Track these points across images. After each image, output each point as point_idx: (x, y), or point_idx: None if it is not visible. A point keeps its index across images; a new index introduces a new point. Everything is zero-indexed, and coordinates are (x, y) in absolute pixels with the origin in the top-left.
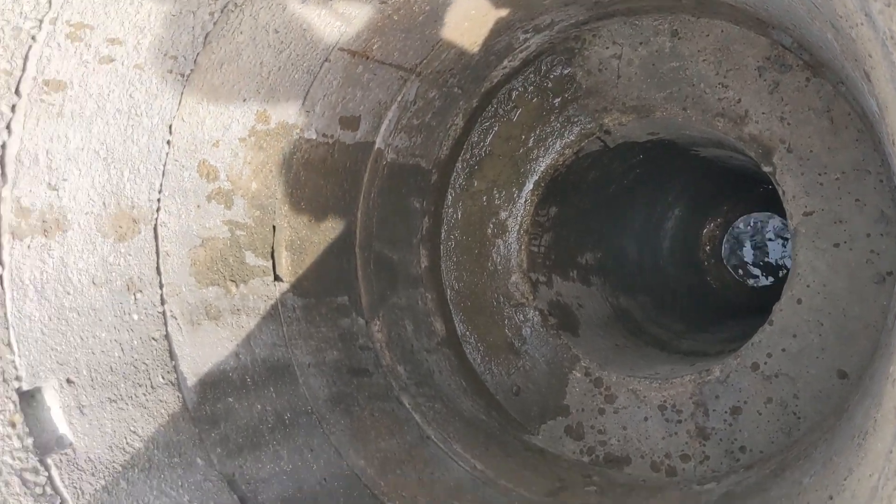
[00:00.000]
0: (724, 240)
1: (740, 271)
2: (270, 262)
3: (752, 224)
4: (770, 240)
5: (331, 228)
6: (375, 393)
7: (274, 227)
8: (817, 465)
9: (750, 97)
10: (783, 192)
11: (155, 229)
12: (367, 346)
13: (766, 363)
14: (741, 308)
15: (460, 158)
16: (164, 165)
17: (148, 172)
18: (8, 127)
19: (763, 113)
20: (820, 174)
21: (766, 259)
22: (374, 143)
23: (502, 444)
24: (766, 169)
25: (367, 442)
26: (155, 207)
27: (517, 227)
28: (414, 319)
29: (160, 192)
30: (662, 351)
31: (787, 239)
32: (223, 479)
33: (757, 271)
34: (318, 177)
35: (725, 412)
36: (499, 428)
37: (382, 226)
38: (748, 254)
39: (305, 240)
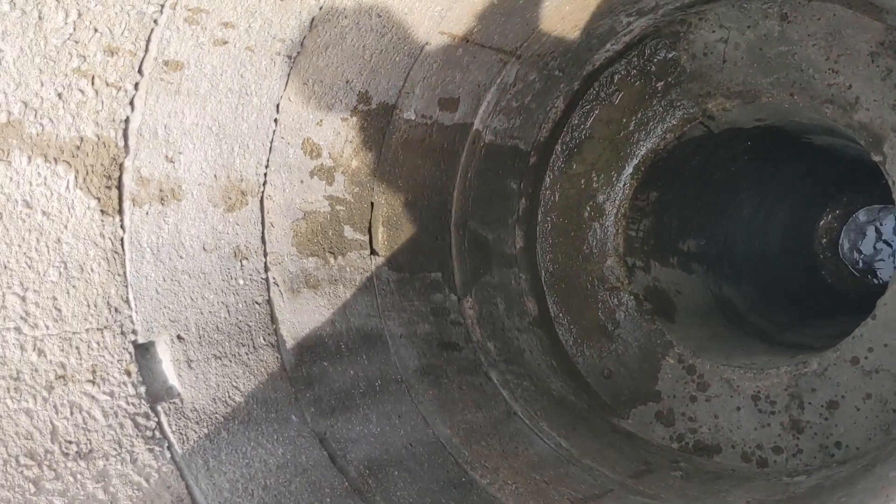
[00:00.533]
0: (843, 232)
1: (858, 266)
2: (367, 236)
3: (874, 217)
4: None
5: (427, 207)
6: (464, 367)
7: (372, 203)
8: None
9: (861, 83)
10: (893, 183)
11: (261, 201)
12: (458, 322)
13: (866, 358)
14: (854, 304)
15: (560, 141)
16: (271, 142)
17: (256, 148)
18: (131, 103)
19: (874, 100)
20: None
21: (889, 253)
22: (472, 124)
23: (590, 426)
24: (876, 158)
25: (453, 413)
26: (262, 181)
27: (615, 210)
28: (506, 298)
29: (266, 166)
30: (763, 342)
31: None
32: (315, 437)
33: (876, 266)
34: (415, 156)
35: (822, 406)
36: (587, 409)
37: (478, 205)
38: (868, 248)
39: (401, 216)
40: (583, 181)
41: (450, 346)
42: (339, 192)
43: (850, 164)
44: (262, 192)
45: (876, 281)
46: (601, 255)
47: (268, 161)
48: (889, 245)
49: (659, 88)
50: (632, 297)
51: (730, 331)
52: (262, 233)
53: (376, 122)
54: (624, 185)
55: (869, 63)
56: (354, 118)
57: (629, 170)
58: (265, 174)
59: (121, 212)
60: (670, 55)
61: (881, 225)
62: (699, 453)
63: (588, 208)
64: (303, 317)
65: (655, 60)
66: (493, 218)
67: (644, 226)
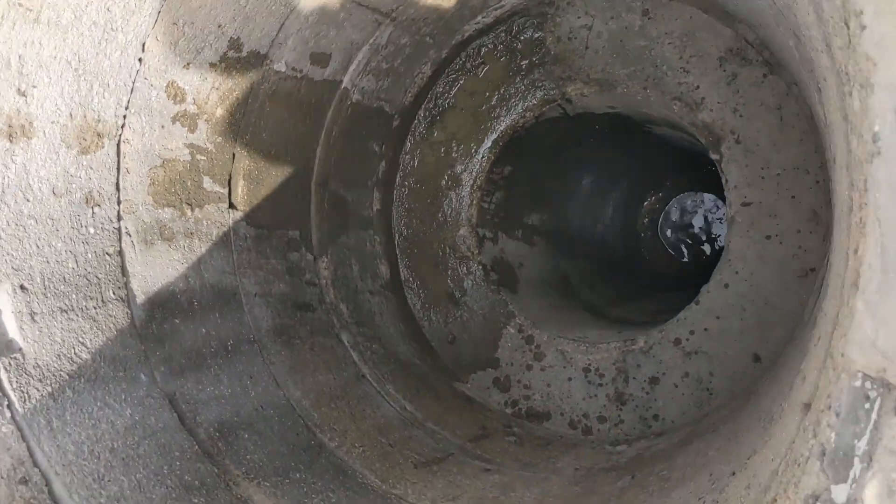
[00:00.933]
0: (663, 214)
1: (674, 246)
2: (227, 189)
3: (691, 202)
4: (706, 220)
5: (289, 162)
6: (317, 328)
7: (234, 154)
8: (723, 439)
9: (708, 85)
10: (726, 181)
11: (118, 145)
12: (312, 282)
13: (687, 339)
14: (670, 282)
15: (423, 107)
16: (134, 82)
17: (117, 87)
18: None
19: (718, 102)
20: (762, 168)
21: (700, 237)
22: (341, 82)
23: (433, 389)
24: (714, 156)
25: (304, 374)
26: (120, 123)
27: (471, 181)
28: (361, 260)
29: (127, 108)
30: (593, 316)
31: (721, 220)
32: (164, 397)
33: (689, 248)
34: (282, 109)
35: (644, 381)
36: (431, 373)
37: (340, 165)
38: (683, 230)
39: (263, 171)
40: (443, 150)
41: (304, 306)
42: (200, 141)
43: (680, 152)
44: (120, 135)
45: (684, 259)
46: (455, 223)
47: (128, 102)
48: (701, 228)
49: (523, 67)
50: (480, 267)
51: (565, 303)
52: (117, 179)
53: (245, 71)
54: (482, 158)
55: (717, 67)
56: (223, 65)
57: (488, 143)
58: (125, 116)
59: None
60: (537, 35)
61: (697, 209)
62: (531, 419)
63: (446, 177)
64: (155, 270)
65: (522, 38)
66: (354, 179)
67: (496, 198)
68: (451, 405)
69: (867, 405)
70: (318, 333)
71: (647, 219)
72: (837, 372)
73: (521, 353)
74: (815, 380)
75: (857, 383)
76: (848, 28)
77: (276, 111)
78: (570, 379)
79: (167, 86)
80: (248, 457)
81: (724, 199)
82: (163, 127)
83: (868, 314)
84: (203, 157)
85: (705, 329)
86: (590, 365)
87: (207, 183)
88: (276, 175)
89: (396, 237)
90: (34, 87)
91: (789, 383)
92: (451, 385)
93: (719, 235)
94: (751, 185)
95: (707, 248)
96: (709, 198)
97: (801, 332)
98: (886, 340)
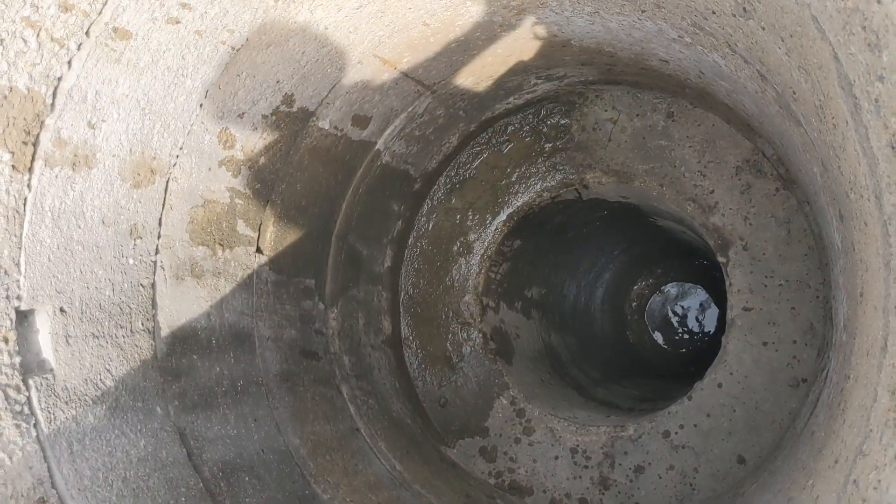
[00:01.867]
0: (651, 299)
1: (658, 333)
2: (257, 233)
3: (680, 291)
4: (694, 314)
5: (316, 214)
6: (320, 377)
7: (268, 201)
8: None
9: (722, 191)
10: (730, 284)
11: (167, 182)
12: (321, 331)
13: (676, 433)
14: (653, 369)
15: (445, 174)
16: (191, 126)
17: (176, 129)
18: (69, 62)
19: (731, 208)
20: (766, 276)
21: (687, 329)
22: (375, 143)
23: (421, 451)
24: (721, 259)
25: (304, 423)
26: (173, 163)
27: (482, 250)
28: (367, 314)
29: (181, 149)
30: (580, 395)
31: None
32: (176, 432)
33: (675, 337)
34: (318, 164)
35: (630, 469)
36: (420, 434)
37: (361, 221)
38: (670, 318)
39: (291, 220)
40: (458, 217)
41: (310, 354)
42: (241, 186)
43: (676, 242)
44: (171, 173)
45: (668, 347)
46: (461, 289)
47: (183, 144)
48: (688, 321)
49: (546, 149)
50: (480, 335)
51: (555, 379)
52: (161, 214)
53: (293, 125)
54: (495, 230)
55: (733, 175)
56: (274, 117)
57: (503, 216)
58: (178, 156)
59: (31, 170)
60: (563, 121)
61: (685, 300)
62: (513, 492)
63: (458, 243)
64: (181, 305)
65: (549, 122)
66: (371, 235)
67: (503, 269)
68: (437, 469)
69: None
70: (321, 383)
71: (635, 302)
72: (868, 502)
73: (510, 425)
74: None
75: None
76: None
77: (313, 165)
78: (556, 457)
79: (220, 132)
80: (246, 500)
81: (711, 293)
82: (209, 169)
83: None
84: (241, 202)
85: (695, 425)
86: (578, 446)
87: (241, 226)
88: (301, 225)
89: (402, 295)
90: (103, 121)
91: (786, 494)
92: (439, 448)
93: (703, 330)
94: (753, 292)
95: (690, 338)
96: (702, 290)
97: (794, 443)
98: None
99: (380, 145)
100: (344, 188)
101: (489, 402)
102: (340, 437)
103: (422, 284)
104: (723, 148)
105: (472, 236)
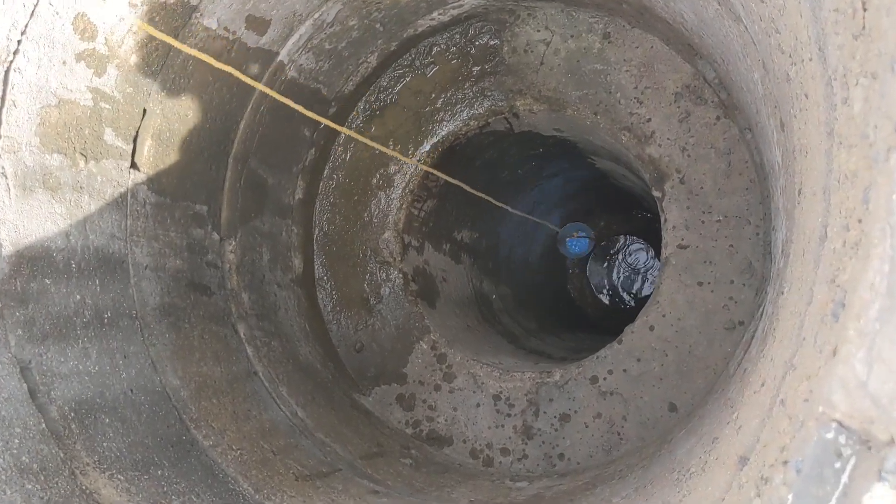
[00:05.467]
0: (592, 254)
1: (600, 287)
2: (131, 146)
3: (623, 247)
4: (637, 268)
5: (208, 130)
6: (211, 314)
7: (145, 110)
8: (630, 488)
9: (660, 120)
10: (665, 220)
11: (7, 73)
12: (214, 264)
13: (605, 379)
14: (592, 322)
15: (364, 99)
16: (36, 5)
17: (13, 7)
18: None
19: (668, 138)
20: (704, 212)
21: (629, 283)
22: (277, 53)
23: (330, 398)
24: (656, 194)
25: (188, 362)
26: (13, 49)
27: (404, 184)
28: (273, 249)
29: (23, 33)
30: (510, 344)
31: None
32: (16, 365)
33: (616, 292)
34: (207, 71)
35: (555, 417)
36: (331, 380)
37: (264, 143)
38: (612, 273)
39: (176, 134)
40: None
41: (200, 288)
42: (108, 88)
43: (620, 194)
44: (11, 61)
45: (608, 302)
46: (381, 226)
47: (26, 27)
48: (630, 275)
49: (474, 73)
50: (400, 275)
51: (483, 327)
52: (1, 111)
53: (171, 20)
54: (419, 161)
55: (671, 102)
56: (146, 7)
57: (427, 147)
58: (19, 42)
59: None
60: (493, 42)
61: (628, 256)
62: (431, 443)
63: (378, 175)
64: (31, 221)
65: (477, 43)
66: (277, 161)
67: (427, 206)
68: (347, 417)
69: (837, 464)
70: (212, 320)
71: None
72: (798, 420)
73: (431, 371)
74: (755, 430)
75: (829, 434)
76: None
77: (201, 72)
78: (478, 405)
79: (76, 17)
80: (105, 444)
81: (656, 247)
82: (64, 63)
83: (862, 346)
84: (108, 106)
85: (624, 370)
86: (501, 392)
87: (109, 135)
88: (189, 141)
89: (316, 231)
90: None
91: (711, 435)
92: (351, 396)
93: (645, 287)
94: (689, 229)
95: (631, 295)
96: (642, 245)
97: (726, 384)
98: (881, 383)
99: (283, 56)
100: (242, 103)
101: (408, 347)
102: (233, 379)
103: (338, 220)
104: (661, 72)
105: (392, 168)
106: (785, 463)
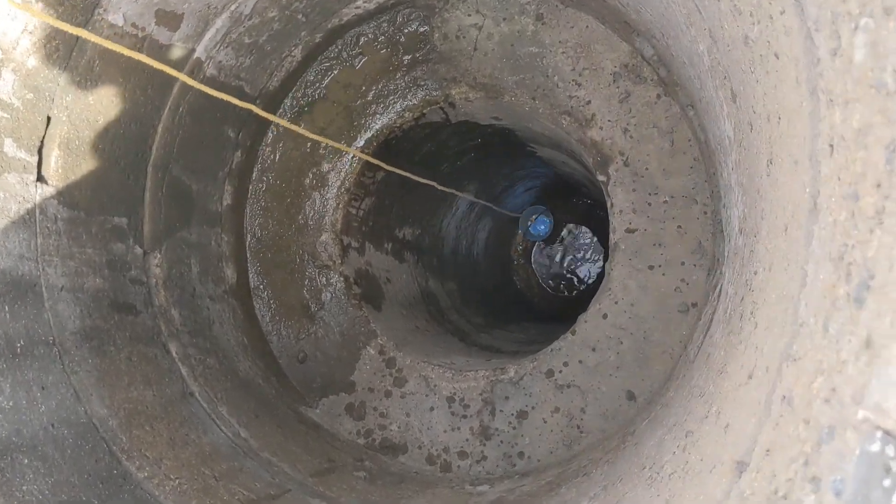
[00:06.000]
0: (537, 243)
1: (546, 277)
2: (36, 157)
3: (568, 235)
4: (582, 256)
5: (122, 137)
6: (139, 334)
7: (49, 117)
8: (597, 487)
9: (600, 101)
10: (611, 205)
11: None
12: (139, 280)
13: (561, 372)
14: (541, 313)
15: (291, 95)
16: None
17: None
18: None
19: (609, 120)
20: (650, 194)
21: (575, 272)
22: (193, 50)
23: (275, 414)
24: (601, 178)
25: (116, 389)
26: None
27: (339, 182)
28: (203, 260)
29: None
30: (461, 342)
31: (596, 259)
32: None
33: (562, 281)
34: (116, 72)
35: (512, 415)
36: (275, 395)
37: (186, 148)
38: (557, 262)
39: (86, 142)
40: (309, 145)
41: (124, 307)
42: (4, 95)
43: (561, 182)
44: None
45: (555, 291)
46: (317, 228)
47: None
48: (575, 263)
49: (405, 62)
50: (342, 279)
51: (431, 327)
52: None
53: (71, 16)
54: (353, 158)
55: (611, 82)
56: (40, 4)
57: (360, 142)
58: None
59: None
60: (422, 29)
61: (574, 243)
62: (385, 452)
63: (311, 175)
64: None
65: (406, 31)
66: (201, 166)
67: (366, 205)
68: (294, 433)
69: (887, 481)
70: (140, 341)
71: (521, 246)
72: (822, 426)
73: (380, 377)
74: (752, 431)
75: (875, 447)
76: None
77: (109, 73)
78: (432, 409)
79: None
80: (24, 487)
81: (601, 236)
82: None
83: None
84: (6, 115)
85: (580, 361)
86: (454, 394)
87: (10, 147)
88: (103, 149)
89: (248, 238)
90: None
91: (682, 427)
92: (298, 409)
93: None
94: (637, 212)
95: (578, 281)
96: (586, 231)
97: (687, 371)
98: None
99: (200, 53)
100: (158, 106)
101: (355, 354)
102: (167, 403)
103: (271, 225)
104: (598, 52)
105: (325, 166)
106: (813, 479)
